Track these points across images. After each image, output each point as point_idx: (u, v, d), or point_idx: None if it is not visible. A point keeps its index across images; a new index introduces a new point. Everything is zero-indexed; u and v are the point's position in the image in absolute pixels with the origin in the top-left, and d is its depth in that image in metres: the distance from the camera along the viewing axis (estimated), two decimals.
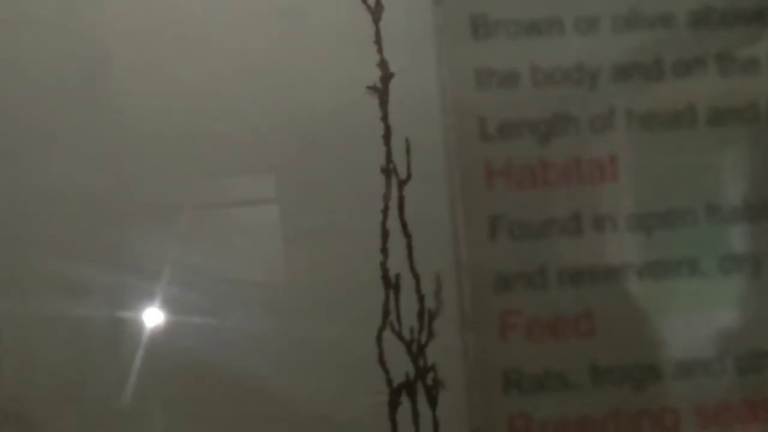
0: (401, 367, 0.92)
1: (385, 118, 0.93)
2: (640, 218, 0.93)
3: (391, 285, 0.92)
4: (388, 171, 0.93)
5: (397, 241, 0.93)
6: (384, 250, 0.93)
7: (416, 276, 0.93)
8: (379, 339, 0.92)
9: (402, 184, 0.93)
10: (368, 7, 0.92)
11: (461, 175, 0.92)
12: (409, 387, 0.92)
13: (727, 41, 0.94)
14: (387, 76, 0.93)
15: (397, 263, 0.93)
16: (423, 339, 0.92)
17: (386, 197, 0.93)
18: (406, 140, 0.93)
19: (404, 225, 0.93)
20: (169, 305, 0.91)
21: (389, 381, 0.92)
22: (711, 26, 0.94)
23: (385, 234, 0.93)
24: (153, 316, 0.91)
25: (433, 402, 0.92)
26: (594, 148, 0.94)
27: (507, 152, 0.92)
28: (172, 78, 0.91)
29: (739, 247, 0.94)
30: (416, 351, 0.92)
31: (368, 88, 0.92)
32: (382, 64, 0.93)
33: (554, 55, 0.93)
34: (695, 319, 0.94)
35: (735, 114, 0.95)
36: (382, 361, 0.92)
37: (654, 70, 0.94)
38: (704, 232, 0.94)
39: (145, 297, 0.91)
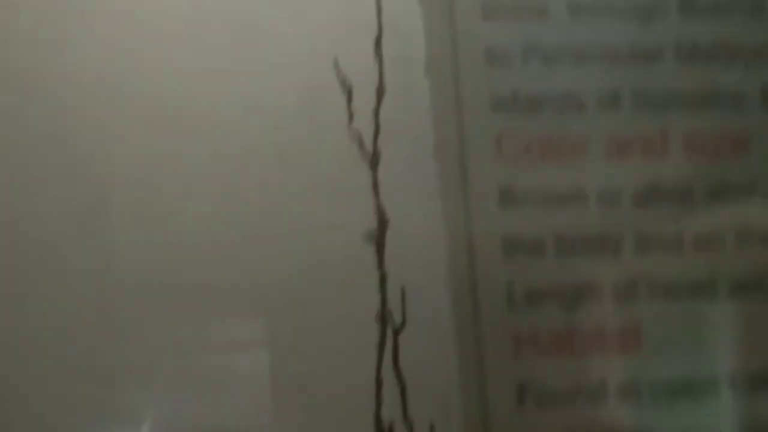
0: None
1: (380, 266, 0.93)
2: (662, 386, 0.94)
3: None
4: (383, 319, 0.93)
5: (391, 389, 0.92)
6: (377, 399, 0.92)
7: (410, 426, 0.92)
8: None
9: (397, 332, 0.92)
10: (365, 154, 0.93)
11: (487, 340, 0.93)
12: None
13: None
14: (384, 223, 0.93)
15: (391, 412, 0.92)
16: None
17: (381, 346, 0.93)
18: (402, 288, 0.93)
19: (398, 373, 0.92)
20: None
21: None
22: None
23: (379, 383, 0.92)
24: None
25: None
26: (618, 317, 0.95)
27: (533, 320, 0.94)
28: (169, 224, 0.91)
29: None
30: None
31: (364, 235, 0.93)
32: (379, 212, 0.93)
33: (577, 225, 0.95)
34: None
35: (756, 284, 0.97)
36: None
37: (675, 241, 0.96)
38: (726, 403, 0.95)
39: None
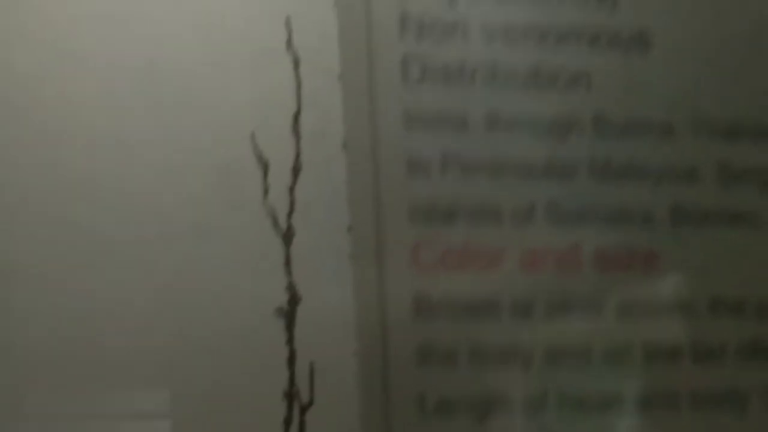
0: None
1: (290, 341, 0.92)
2: None
3: None
4: (290, 395, 0.92)
5: None
6: None
7: None
8: None
9: (304, 409, 0.91)
10: (279, 230, 0.93)
11: None
12: None
13: None
14: (295, 300, 0.93)
15: None
16: None
17: (287, 423, 0.91)
18: (310, 365, 0.92)
19: None
20: None
21: None
22: None
23: None
24: None
25: None
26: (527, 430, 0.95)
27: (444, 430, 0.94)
28: (75, 290, 0.89)
29: None
30: None
31: (275, 310, 0.92)
32: (291, 288, 0.93)
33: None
34: None
35: None
36: None
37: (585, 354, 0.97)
38: None
39: None
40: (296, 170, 0.94)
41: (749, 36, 1.03)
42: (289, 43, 0.94)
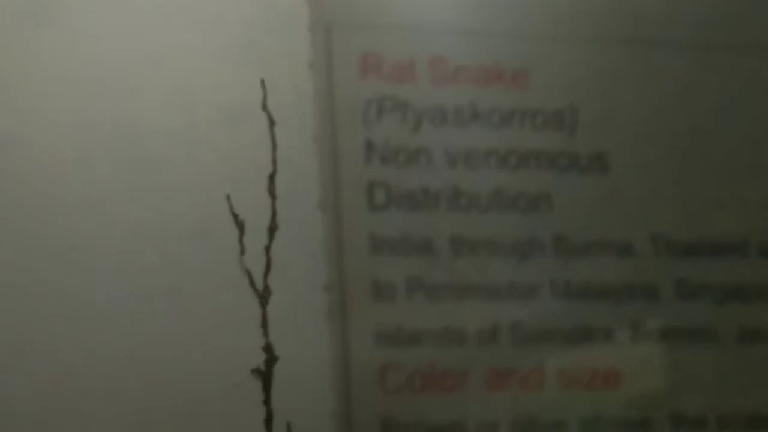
0: None
1: (267, 402, 0.93)
2: None
3: None
4: None
5: None
6: None
7: None
8: None
9: None
10: (256, 290, 0.94)
11: None
12: None
13: None
14: (272, 360, 0.93)
15: None
16: None
17: None
18: (288, 425, 0.93)
19: None
20: None
21: None
22: None
23: None
24: None
25: None
26: None
27: None
28: (47, 353, 0.90)
29: None
30: None
31: (252, 371, 0.93)
32: (267, 348, 0.93)
33: None
34: None
35: None
36: None
37: None
38: None
39: None
40: (272, 230, 0.95)
41: (703, 155, 1.05)
42: (264, 103, 0.96)
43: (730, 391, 1.03)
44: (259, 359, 0.93)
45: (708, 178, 1.05)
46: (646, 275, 1.02)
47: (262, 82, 0.96)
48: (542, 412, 0.99)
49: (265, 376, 0.93)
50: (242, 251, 0.94)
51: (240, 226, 0.94)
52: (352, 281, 0.95)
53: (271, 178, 0.95)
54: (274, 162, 0.95)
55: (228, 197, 0.94)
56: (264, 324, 0.94)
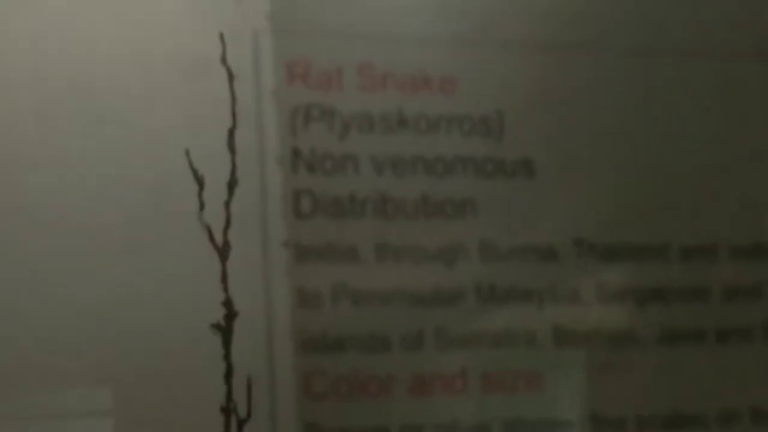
0: None
1: (227, 356, 0.93)
2: None
3: None
4: (228, 410, 0.93)
5: None
6: None
7: None
8: None
9: (241, 423, 0.92)
10: (215, 246, 0.94)
11: None
12: None
13: None
14: (231, 315, 0.93)
15: None
16: None
17: None
18: (248, 379, 0.93)
19: None
20: None
21: None
22: None
23: None
24: None
25: None
26: None
27: None
28: (8, 308, 0.90)
29: None
30: None
31: (212, 326, 0.93)
32: (227, 303, 0.93)
33: None
34: None
35: None
36: None
37: None
38: None
39: None
40: (232, 185, 0.94)
41: (626, 160, 1.06)
42: (223, 57, 0.95)
43: (651, 392, 1.05)
44: (218, 314, 0.93)
45: (630, 183, 1.07)
46: (568, 279, 1.04)
47: (221, 35, 0.95)
48: (465, 416, 1.00)
49: (225, 331, 0.93)
50: (201, 207, 0.93)
51: (199, 181, 0.94)
52: (275, 289, 0.96)
53: (231, 132, 0.95)
54: (234, 116, 0.95)
55: (187, 152, 0.94)
56: (224, 279, 0.94)
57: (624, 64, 1.06)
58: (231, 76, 0.95)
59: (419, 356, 0.99)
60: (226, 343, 0.93)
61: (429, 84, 1.01)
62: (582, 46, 1.05)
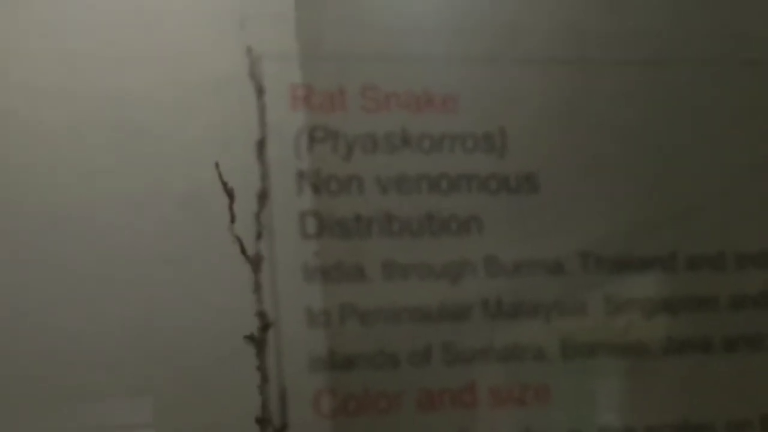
0: None
1: (261, 367, 0.95)
2: None
3: None
4: (263, 421, 0.94)
5: None
6: None
7: None
8: None
9: None
10: (247, 257, 0.95)
11: None
12: None
13: None
14: (265, 326, 0.95)
15: None
16: None
17: None
18: (282, 389, 0.95)
19: None
20: None
21: None
22: None
23: None
24: None
25: None
26: None
27: None
28: (45, 323, 0.92)
29: None
30: None
31: (245, 337, 0.94)
32: (261, 314, 0.95)
33: None
34: None
35: None
36: None
37: None
38: None
39: None
40: (262, 197, 0.96)
41: (628, 172, 1.07)
42: (251, 71, 0.97)
43: (660, 402, 1.06)
44: (252, 324, 0.95)
45: (634, 194, 1.07)
46: (575, 292, 1.05)
47: (249, 49, 0.97)
48: (475, 430, 1.01)
49: (259, 341, 0.94)
50: (233, 219, 0.95)
51: (230, 194, 0.95)
52: (285, 310, 0.97)
53: (260, 144, 0.96)
54: (263, 128, 0.96)
55: (217, 165, 0.95)
56: (257, 290, 0.95)
57: (625, 77, 1.07)
58: (260, 90, 0.97)
59: (427, 372, 1.00)
60: (260, 354, 0.95)
61: (432, 102, 1.02)
62: (582, 61, 1.06)
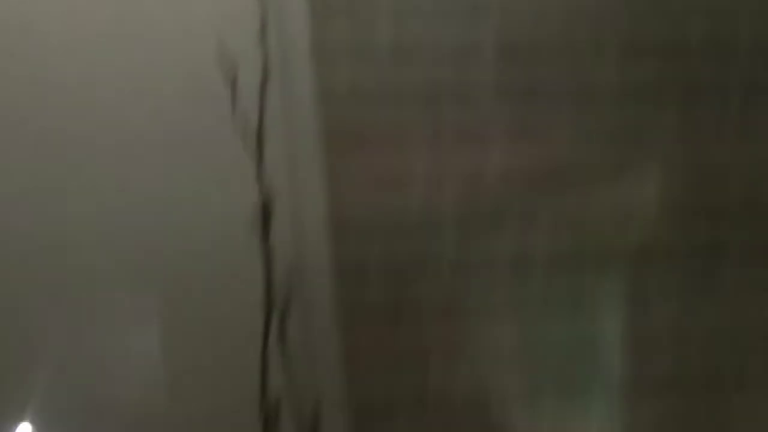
0: None
1: (266, 245, 0.94)
2: None
3: None
4: (268, 300, 0.95)
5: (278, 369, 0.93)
6: (263, 378, 0.94)
7: (297, 399, 0.94)
8: None
9: (283, 312, 0.93)
10: (251, 136, 0.94)
11: None
12: None
13: None
14: (269, 203, 0.94)
15: (278, 390, 0.94)
16: None
17: (266, 325, 0.93)
18: (288, 271, 0.94)
19: (284, 351, 0.94)
20: None
21: None
22: None
23: (265, 361, 0.94)
24: None
25: None
26: None
27: None
28: (55, 206, 0.92)
29: None
30: None
31: (251, 214, 0.93)
32: (264, 192, 0.95)
33: None
34: None
35: None
36: None
37: None
38: None
39: None
40: (265, 76, 0.95)
41: None
42: None
43: None
44: (256, 205, 0.95)
45: None
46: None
47: None
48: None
49: (264, 219, 0.94)
50: (234, 99, 0.95)
51: (233, 74, 0.95)
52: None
53: (263, 27, 0.96)
54: (264, 13, 0.96)
55: (220, 45, 0.95)
56: (260, 168, 0.95)
57: None
58: None
59: (436, 150, 1.02)
60: (265, 232, 0.94)
61: None
62: None
